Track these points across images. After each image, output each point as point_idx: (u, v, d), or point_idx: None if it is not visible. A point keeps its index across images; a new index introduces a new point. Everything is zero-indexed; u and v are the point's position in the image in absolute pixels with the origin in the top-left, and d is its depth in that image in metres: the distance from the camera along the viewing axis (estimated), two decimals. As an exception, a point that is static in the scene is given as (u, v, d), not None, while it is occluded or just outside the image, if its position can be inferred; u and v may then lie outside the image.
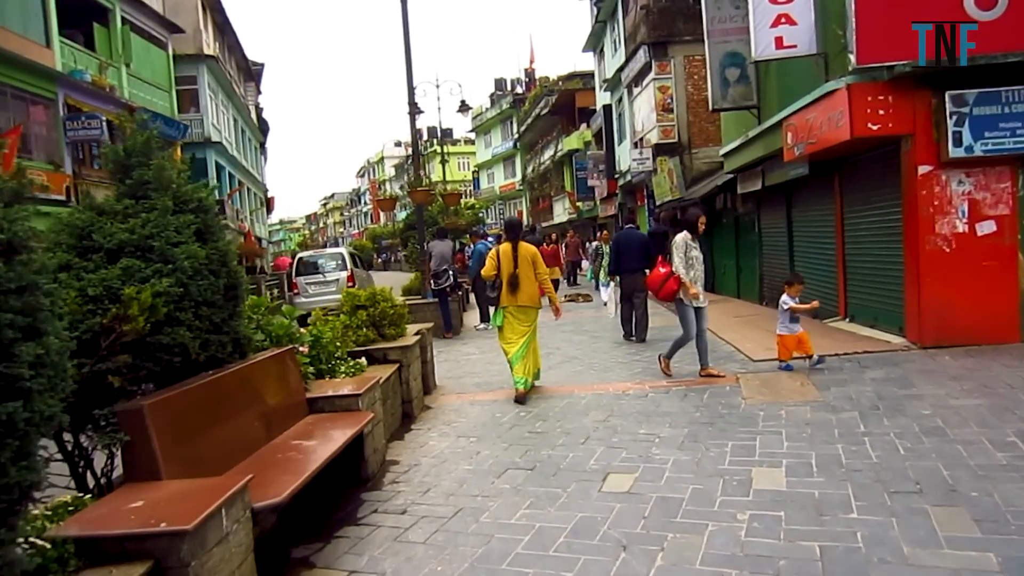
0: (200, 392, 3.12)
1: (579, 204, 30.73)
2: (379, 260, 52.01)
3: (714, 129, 17.16)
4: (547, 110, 32.31)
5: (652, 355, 8.13)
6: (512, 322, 6.46)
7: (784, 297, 6.60)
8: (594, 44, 26.69)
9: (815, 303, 7.04)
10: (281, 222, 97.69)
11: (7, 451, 1.77)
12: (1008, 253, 6.97)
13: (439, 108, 27.80)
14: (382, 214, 61.23)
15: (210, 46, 25.18)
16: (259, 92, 37.20)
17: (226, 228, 20.69)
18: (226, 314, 3.48)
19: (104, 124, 15.08)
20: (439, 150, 29.80)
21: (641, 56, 18.65)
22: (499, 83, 47.34)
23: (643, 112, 19.54)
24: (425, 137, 39.30)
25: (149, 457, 2.69)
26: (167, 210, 3.27)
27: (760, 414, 5.21)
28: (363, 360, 5.57)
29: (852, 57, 6.93)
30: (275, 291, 23.19)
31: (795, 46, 8.15)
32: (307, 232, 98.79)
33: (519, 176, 44.54)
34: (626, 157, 21.60)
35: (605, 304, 13.36)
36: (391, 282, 13.62)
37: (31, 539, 2.08)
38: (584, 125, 29.03)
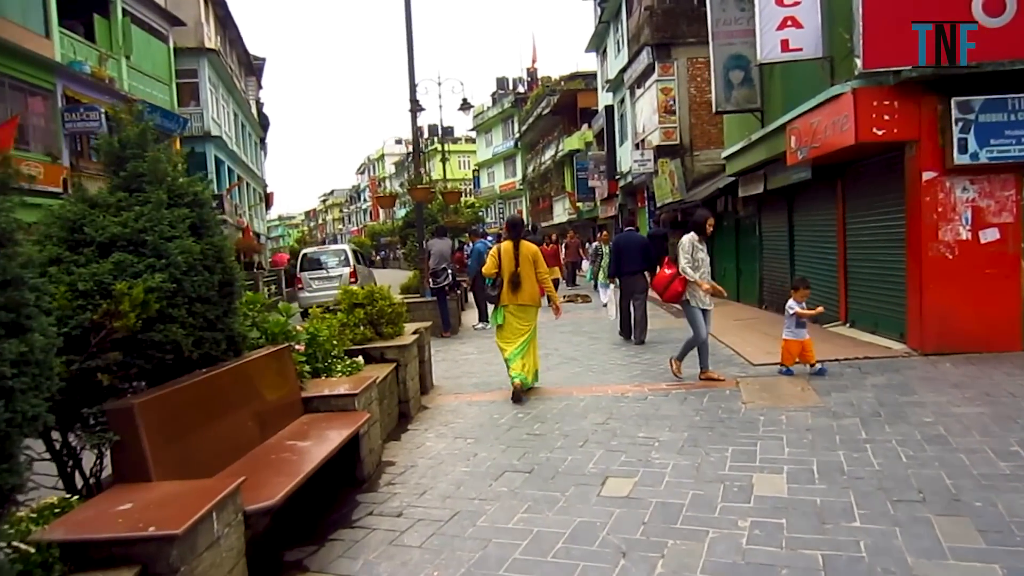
0: (193, 391, 3.06)
1: (579, 205, 30.68)
2: (377, 258, 51.91)
3: (716, 132, 17.13)
4: (549, 110, 32.23)
5: (651, 357, 8.09)
6: (512, 321, 6.45)
7: (791, 302, 6.54)
8: (597, 44, 26.63)
9: (820, 309, 6.99)
10: (280, 218, 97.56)
11: (-11, 452, 1.71)
12: (1011, 261, 6.92)
13: (440, 106, 28.00)
14: (381, 211, 61.17)
15: (211, 40, 25.07)
16: (260, 87, 37.08)
17: (224, 223, 20.68)
18: (221, 311, 3.41)
19: (103, 116, 14.98)
20: (440, 148, 29.72)
21: (644, 57, 18.59)
22: (501, 82, 47.24)
23: (645, 113, 19.49)
24: (426, 135, 39.24)
25: (139, 458, 2.62)
26: (161, 203, 3.20)
27: (760, 419, 5.16)
28: (360, 359, 5.50)
29: (858, 61, 6.88)
30: (273, 287, 23.13)
31: (801, 49, 8.09)
32: (306, 228, 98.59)
33: (519, 175, 44.47)
34: (627, 158, 21.55)
35: (605, 305, 13.30)
36: (389, 280, 13.64)
37: (15, 543, 2.01)
38: (586, 125, 28.97)
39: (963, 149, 6.73)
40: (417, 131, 13.35)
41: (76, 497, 2.58)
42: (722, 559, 3.00)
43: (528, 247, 6.59)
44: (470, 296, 14.35)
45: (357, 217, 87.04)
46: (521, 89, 42.52)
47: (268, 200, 37.61)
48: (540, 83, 36.91)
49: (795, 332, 6.45)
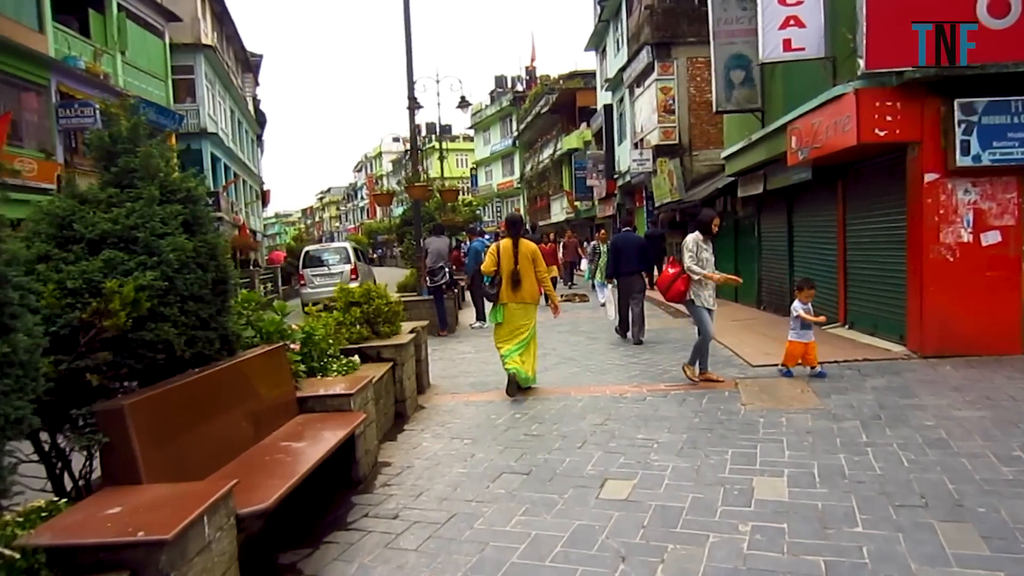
0: (184, 391, 2.99)
1: (577, 204, 30.62)
2: (374, 256, 51.80)
3: (715, 132, 17.09)
4: (547, 108, 32.17)
5: (650, 358, 8.05)
6: (511, 319, 6.43)
7: (796, 303, 6.48)
8: (596, 43, 26.58)
9: (822, 318, 6.85)
10: (277, 215, 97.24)
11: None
12: (1012, 264, 6.89)
13: (439, 103, 27.90)
14: (378, 209, 61.00)
15: (208, 36, 24.94)
16: (257, 84, 36.94)
17: (220, 221, 20.56)
18: (214, 309, 3.35)
19: (97, 112, 14.87)
20: (437, 146, 29.63)
21: (644, 56, 18.55)
22: (499, 80, 47.12)
23: (644, 113, 19.44)
24: (424, 133, 39.09)
25: (129, 460, 2.56)
26: (153, 200, 3.13)
27: (760, 421, 5.11)
28: (356, 358, 5.43)
29: (861, 61, 6.84)
30: (269, 285, 23.04)
31: (803, 49, 8.04)
32: (303, 226, 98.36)
33: (517, 174, 44.39)
34: (626, 157, 21.50)
35: (603, 305, 13.27)
36: (386, 278, 13.60)
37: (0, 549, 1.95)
38: (584, 124, 28.92)
39: (966, 151, 6.69)
40: (415, 128, 13.28)
41: (64, 500, 2.52)
42: (723, 564, 2.95)
43: (527, 245, 6.57)
44: (467, 295, 14.29)
45: (354, 215, 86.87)
46: (520, 87, 42.42)
47: (265, 198, 37.45)
48: (539, 81, 36.82)
49: (800, 334, 6.40)
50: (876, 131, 6.98)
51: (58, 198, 3.11)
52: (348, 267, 17.23)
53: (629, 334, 9.42)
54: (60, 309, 2.69)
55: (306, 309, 5.87)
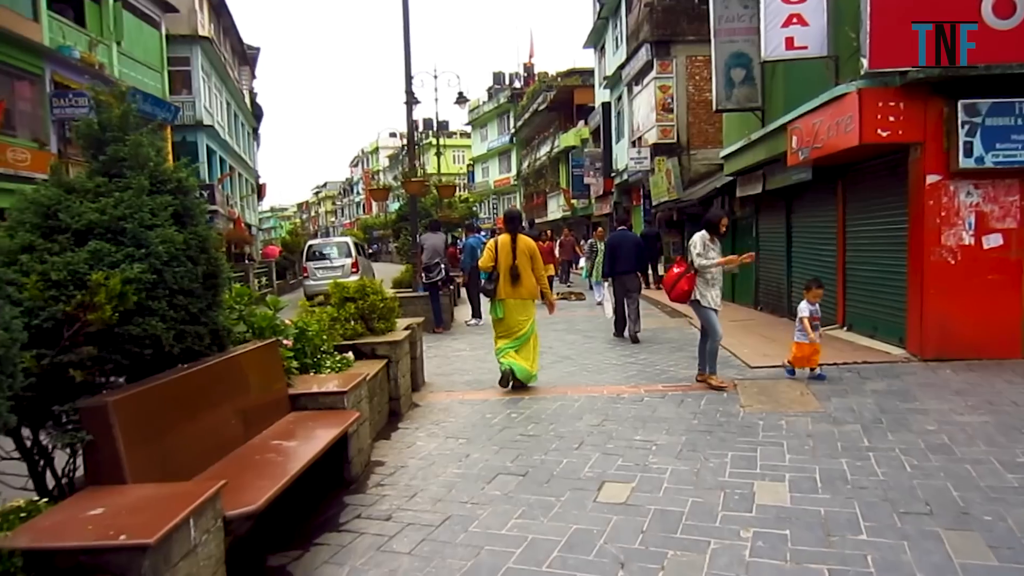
0: (172, 388, 2.89)
1: (574, 202, 30.56)
2: (370, 251, 51.62)
3: (713, 131, 17.04)
4: (545, 106, 32.07)
5: (647, 358, 7.98)
6: (510, 315, 6.40)
7: (802, 304, 6.40)
8: (595, 40, 26.48)
9: (816, 336, 6.38)
10: (272, 209, 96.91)
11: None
12: (1013, 268, 6.84)
13: (436, 99, 27.44)
14: (374, 205, 60.81)
15: (205, 27, 24.72)
16: (254, 77, 36.68)
17: (215, 214, 20.44)
18: (204, 304, 3.25)
19: (92, 103, 14.68)
20: (435, 142, 29.50)
21: (643, 54, 18.48)
22: (497, 77, 46.97)
23: (642, 111, 19.37)
24: (421, 128, 38.91)
25: (113, 459, 2.46)
26: (143, 190, 3.03)
27: (760, 423, 5.05)
28: (350, 355, 5.35)
29: (864, 61, 6.77)
30: (263, 279, 22.90)
31: (806, 47, 7.97)
32: (298, 221, 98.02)
33: (514, 171, 44.28)
34: (623, 156, 21.44)
35: (599, 303, 13.22)
36: (381, 274, 13.49)
37: (-28, 551, 1.86)
38: (582, 122, 28.84)
39: (969, 153, 6.63)
40: (412, 123, 13.16)
41: (45, 500, 2.43)
42: (725, 572, 2.88)
43: (525, 241, 6.54)
44: (463, 292, 14.20)
45: (350, 210, 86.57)
46: (517, 84, 42.29)
47: (260, 191, 37.23)
48: (537, 78, 36.69)
49: (806, 335, 6.32)
50: (878, 131, 6.92)
51: (43, 186, 3.01)
52: (349, 261, 18.03)
53: (626, 333, 9.42)
54: (43, 301, 2.59)
55: (302, 303, 5.75)
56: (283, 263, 28.12)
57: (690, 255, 6.19)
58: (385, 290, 6.67)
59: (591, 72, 28.87)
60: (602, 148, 24.66)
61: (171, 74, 21.32)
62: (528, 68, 41.39)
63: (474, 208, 32.93)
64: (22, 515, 2.25)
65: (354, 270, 17.16)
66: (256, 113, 36.89)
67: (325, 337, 5.18)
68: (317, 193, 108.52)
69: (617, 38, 22.81)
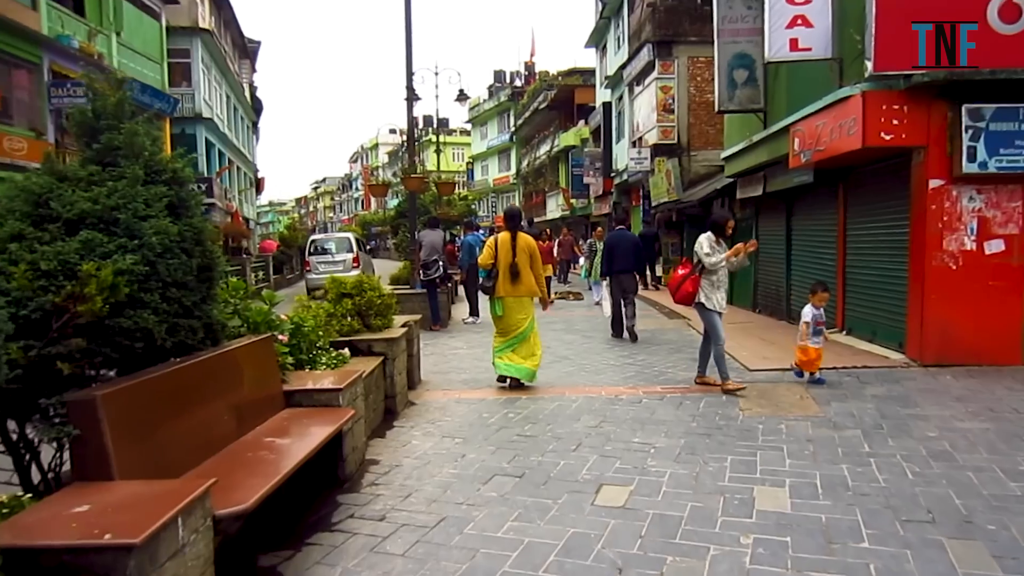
0: (163, 382, 2.82)
1: (573, 201, 30.50)
2: (368, 247, 51.45)
3: (714, 132, 16.99)
4: (545, 105, 32.00)
5: (645, 359, 7.93)
6: (509, 312, 6.38)
7: (806, 308, 6.35)
8: (597, 40, 26.41)
9: (811, 348, 6.34)
10: (271, 204, 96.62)
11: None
12: (1015, 274, 6.81)
13: (437, 96, 27.27)
14: (373, 200, 60.66)
15: (205, 19, 24.58)
16: (254, 70, 36.53)
17: (213, 207, 20.33)
18: (198, 297, 3.18)
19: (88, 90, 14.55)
20: (434, 139, 29.39)
21: (645, 54, 18.41)
22: (498, 75, 46.87)
23: (643, 111, 19.31)
24: (421, 125, 38.75)
25: (100, 454, 2.39)
26: (137, 180, 2.96)
27: (759, 427, 5.00)
28: (346, 351, 5.28)
29: (869, 63, 6.73)
30: (260, 274, 22.80)
31: (810, 49, 7.91)
32: (297, 215, 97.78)
33: (514, 170, 44.20)
34: (623, 156, 21.38)
35: (598, 303, 13.17)
36: (379, 270, 13.45)
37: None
38: (582, 122, 28.78)
39: (972, 157, 6.59)
40: (413, 120, 13.09)
41: (30, 496, 2.36)
42: (725, 579, 2.83)
43: (525, 239, 6.54)
44: (461, 289, 14.14)
45: (348, 206, 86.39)
46: (518, 83, 42.20)
47: (259, 185, 37.07)
48: (538, 77, 36.61)
49: (812, 340, 6.28)
50: (882, 135, 6.87)
51: (35, 174, 2.94)
52: (351, 256, 18.58)
53: (624, 334, 9.41)
54: (32, 292, 2.52)
55: (298, 299, 5.68)
56: (280, 257, 28.01)
57: (697, 256, 6.10)
58: (382, 286, 6.61)
59: (592, 72, 28.80)
60: (602, 148, 24.59)
61: (171, 66, 21.17)
62: (529, 67, 41.30)
63: (473, 206, 32.86)
64: (4, 511, 2.18)
65: (355, 265, 17.71)
66: (256, 107, 36.73)
67: (321, 333, 5.11)
68: (316, 188, 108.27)
69: (619, 38, 22.75)
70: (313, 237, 21.88)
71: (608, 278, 9.89)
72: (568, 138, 30.03)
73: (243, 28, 31.53)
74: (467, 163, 53.94)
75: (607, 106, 24.11)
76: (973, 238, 6.82)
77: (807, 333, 6.26)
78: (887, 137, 6.86)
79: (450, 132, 54.78)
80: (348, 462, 3.97)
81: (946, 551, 3.01)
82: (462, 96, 21.61)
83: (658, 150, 18.03)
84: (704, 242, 6.08)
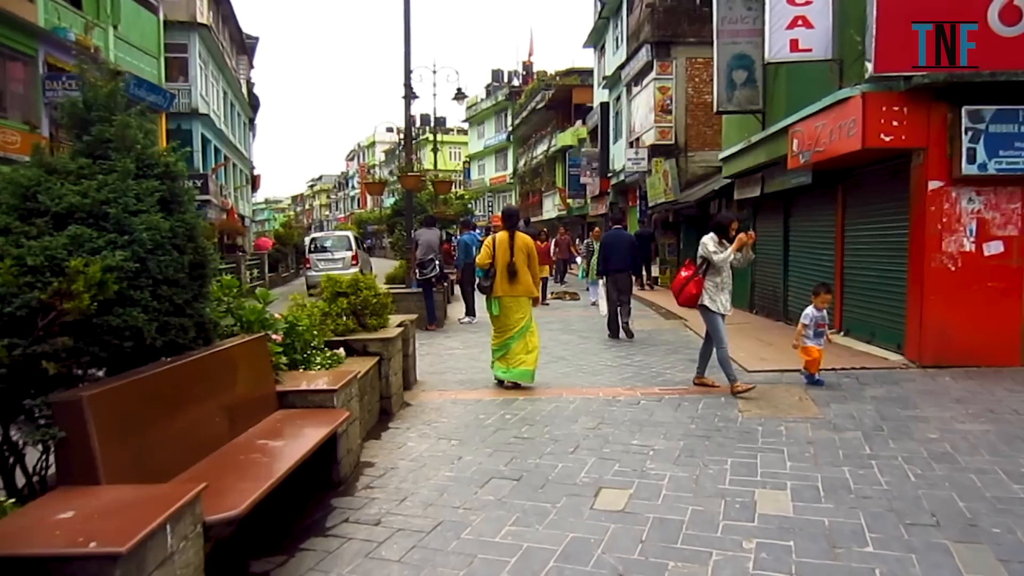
0: (153, 382, 2.75)
1: (570, 201, 30.44)
2: (364, 245, 51.30)
3: (712, 133, 16.96)
4: (543, 104, 31.94)
5: (642, 359, 7.88)
6: (506, 312, 6.35)
7: (808, 309, 6.29)
8: (595, 40, 26.36)
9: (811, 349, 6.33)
10: (266, 201, 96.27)
11: None
12: (1014, 275, 6.79)
13: (434, 94, 27.11)
14: (369, 199, 60.42)
15: (203, 15, 24.41)
16: (251, 67, 36.34)
17: (208, 203, 20.18)
18: (190, 295, 3.10)
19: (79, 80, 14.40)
20: (431, 138, 29.30)
21: (643, 55, 18.37)
22: (496, 74, 46.81)
23: (641, 112, 19.26)
24: (418, 124, 38.65)
25: (87, 457, 2.32)
26: (128, 173, 2.88)
27: (759, 429, 4.95)
28: (341, 351, 5.21)
29: (869, 65, 6.69)
30: (255, 271, 22.67)
31: (810, 50, 7.88)
32: (292, 213, 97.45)
33: (510, 169, 44.12)
34: (620, 156, 21.34)
35: (594, 303, 13.12)
36: (375, 269, 13.36)
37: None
38: (580, 122, 28.72)
39: (971, 159, 6.56)
40: (410, 117, 13.00)
41: (12, 500, 2.28)
42: (728, 585, 2.77)
43: (523, 239, 6.53)
44: (457, 289, 14.06)
45: (345, 204, 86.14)
46: (516, 82, 42.11)
47: (255, 182, 36.88)
48: (535, 77, 36.54)
49: (813, 340, 6.23)
50: (882, 136, 6.84)
51: (23, 166, 2.85)
52: (350, 253, 19.20)
53: (622, 334, 9.39)
54: (17, 288, 2.44)
55: (293, 297, 5.61)
56: (276, 255, 27.85)
57: (701, 257, 6.01)
58: (378, 285, 6.54)
59: (590, 72, 28.76)
60: (599, 148, 24.55)
61: (168, 61, 21.00)
62: (527, 66, 41.22)
63: (469, 205, 32.74)
64: (-14, 516, 2.11)
65: (354, 262, 18.42)
66: (253, 103, 36.54)
67: (316, 332, 5.04)
68: (312, 186, 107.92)
69: (617, 38, 22.70)
70: (313, 235, 22.61)
71: (604, 277, 9.89)
72: (565, 138, 29.97)
73: (241, 24, 31.36)
74: (464, 162, 53.85)
75: (605, 106, 24.06)
76: (972, 239, 6.79)
77: (803, 334, 6.22)
78: (887, 138, 6.82)
79: (447, 131, 54.66)
80: (343, 465, 3.90)
81: (952, 555, 2.97)
82: (460, 95, 21.53)
83: (655, 151, 17.99)
84: (709, 241, 6.02)
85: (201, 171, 22.22)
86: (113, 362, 2.82)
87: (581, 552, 3.06)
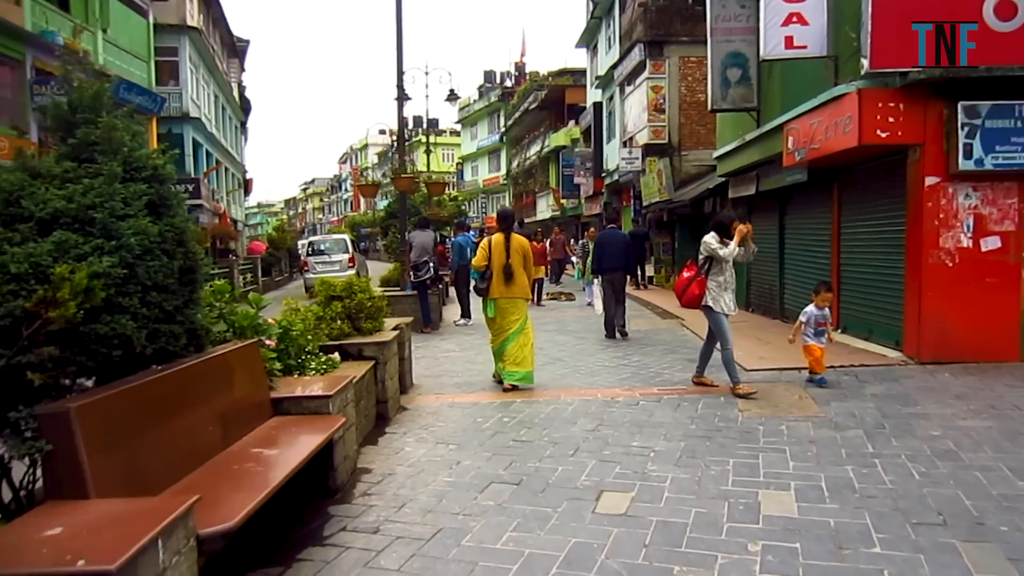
0: (143, 392, 2.67)
1: (563, 201, 30.40)
2: (359, 247, 51.12)
3: (706, 132, 16.95)
4: (536, 105, 31.89)
5: (640, 360, 7.84)
6: (503, 314, 6.32)
7: (809, 308, 6.25)
8: (588, 40, 26.34)
9: (819, 348, 6.28)
10: (259, 205, 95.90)
11: None
12: (1011, 271, 6.77)
13: (427, 96, 27.04)
14: (362, 201, 60.25)
15: (194, 18, 24.27)
16: (243, 70, 36.15)
17: (200, 208, 20.04)
18: (180, 301, 3.03)
19: (64, 81, 14.25)
20: (424, 139, 29.19)
21: (636, 54, 18.34)
22: (488, 75, 46.74)
23: (634, 111, 19.24)
24: (411, 126, 38.48)
25: (75, 470, 2.24)
26: (115, 177, 2.80)
27: (759, 429, 4.91)
28: (336, 356, 5.13)
29: (865, 61, 6.66)
30: (248, 276, 22.53)
31: (805, 47, 7.85)
32: (285, 217, 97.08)
33: (504, 170, 44.06)
34: (614, 156, 21.31)
35: (590, 304, 13.08)
36: (369, 271, 13.30)
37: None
38: (573, 122, 28.69)
39: (968, 155, 6.55)
40: (403, 119, 12.93)
41: (-2, 515, 2.21)
42: (734, 590, 2.72)
43: (519, 240, 6.51)
44: (452, 291, 13.99)
45: (338, 207, 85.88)
46: (509, 83, 42.08)
47: (247, 186, 36.71)
48: (528, 78, 36.51)
49: (813, 339, 6.19)
50: (878, 132, 6.82)
51: (6, 171, 2.77)
52: (347, 256, 19.72)
53: (617, 334, 9.36)
54: (1, 296, 2.36)
55: (286, 302, 5.53)
56: (269, 259, 27.70)
57: (706, 250, 5.93)
58: (373, 288, 6.47)
59: (583, 72, 28.74)
60: (593, 148, 24.50)
61: (158, 64, 20.86)
62: (520, 67, 41.20)
63: (463, 207, 32.67)
64: (-30, 533, 2.03)
65: (351, 265, 18.98)
66: (244, 107, 36.35)
67: (310, 337, 4.96)
68: (305, 189, 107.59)
69: (610, 38, 22.69)
70: (311, 239, 23.30)
71: (599, 276, 9.87)
72: (558, 138, 29.93)
73: (232, 26, 31.20)
74: (457, 164, 53.75)
75: (598, 106, 24.03)
76: (969, 235, 6.78)
77: (801, 331, 6.19)
78: (883, 135, 6.80)
79: (440, 133, 54.56)
80: (339, 471, 3.83)
81: (960, 555, 2.92)
82: (452, 96, 21.43)
83: (649, 150, 17.97)
84: (711, 239, 5.97)
85: (193, 175, 22.08)
86: (102, 371, 2.75)
87: (584, 558, 3.00)
